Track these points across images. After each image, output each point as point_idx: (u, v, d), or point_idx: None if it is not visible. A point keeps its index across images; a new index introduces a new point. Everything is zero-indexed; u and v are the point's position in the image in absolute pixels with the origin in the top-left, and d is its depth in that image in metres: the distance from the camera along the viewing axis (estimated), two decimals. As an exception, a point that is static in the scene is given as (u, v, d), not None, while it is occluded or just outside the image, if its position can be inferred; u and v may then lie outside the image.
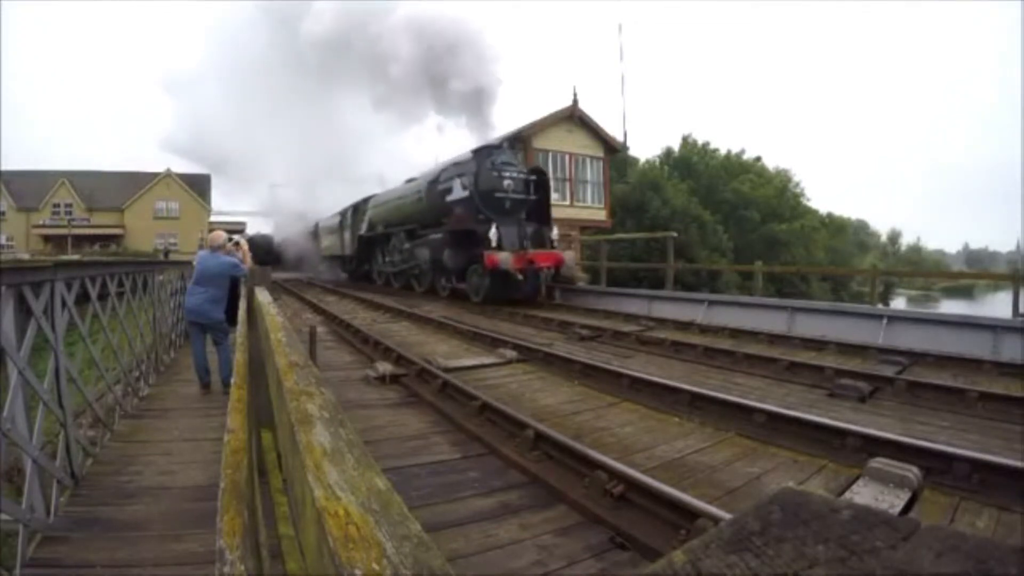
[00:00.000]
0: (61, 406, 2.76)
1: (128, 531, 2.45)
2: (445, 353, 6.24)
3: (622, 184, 19.42)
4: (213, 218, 35.56)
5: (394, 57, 13.55)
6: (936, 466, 2.91)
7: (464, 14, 14.72)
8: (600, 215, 18.47)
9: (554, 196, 13.84)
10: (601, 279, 14.34)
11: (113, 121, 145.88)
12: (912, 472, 2.49)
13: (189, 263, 6.78)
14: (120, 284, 4.28)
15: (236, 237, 5.55)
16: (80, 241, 31.72)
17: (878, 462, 2.60)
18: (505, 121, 20.52)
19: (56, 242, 31.96)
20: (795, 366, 5.49)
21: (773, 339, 7.28)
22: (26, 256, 20.69)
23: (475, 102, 12.59)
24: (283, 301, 11.71)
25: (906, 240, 73.67)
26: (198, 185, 36.38)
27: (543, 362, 5.88)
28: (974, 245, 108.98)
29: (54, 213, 34.10)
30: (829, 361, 5.81)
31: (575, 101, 17.40)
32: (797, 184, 29.30)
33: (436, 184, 13.03)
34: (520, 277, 10.58)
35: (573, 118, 17.41)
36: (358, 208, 18.66)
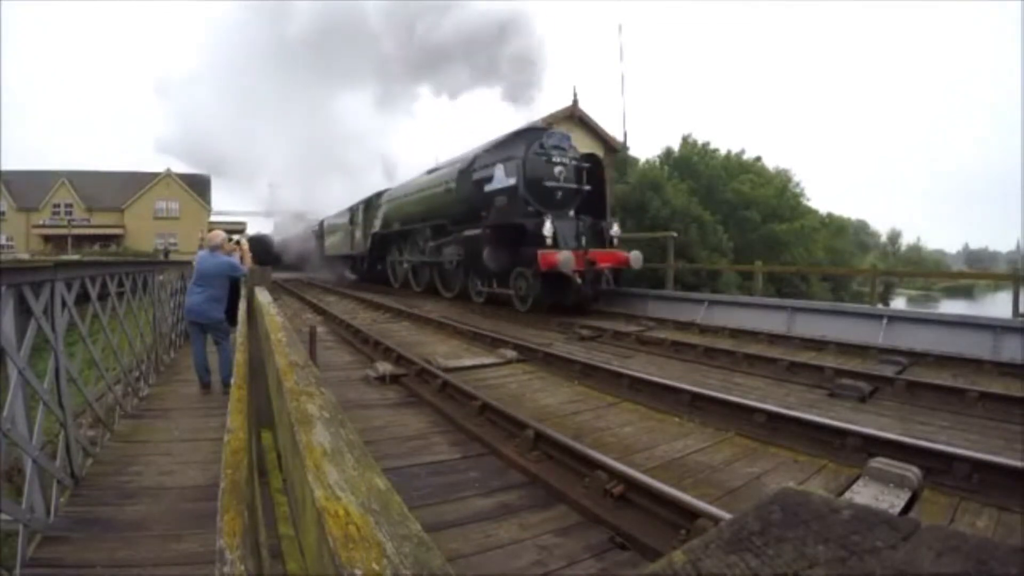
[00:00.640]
0: (61, 406, 2.75)
1: (128, 531, 2.44)
2: (445, 353, 6.24)
3: (622, 184, 19.38)
4: (213, 218, 35.52)
5: (406, 27, 12.53)
6: (936, 466, 2.91)
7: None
8: (600, 215, 18.42)
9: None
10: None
11: (113, 121, 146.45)
12: (912, 472, 2.48)
13: (189, 263, 6.78)
14: (120, 284, 4.28)
15: (236, 236, 5.56)
16: (80, 241, 31.68)
17: (878, 462, 2.59)
18: (505, 121, 20.54)
19: (56, 242, 31.92)
20: (795, 366, 5.50)
21: (773, 339, 7.29)
22: (26, 256, 20.73)
23: (519, 66, 11.17)
24: (283, 301, 11.69)
25: (906, 240, 73.58)
26: (198, 185, 36.36)
27: (543, 362, 5.88)
28: (974, 245, 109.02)
29: (54, 213, 34.06)
30: (829, 361, 5.82)
31: (575, 101, 17.44)
32: (797, 184, 29.26)
33: (471, 172, 11.06)
34: (579, 281, 9.02)
35: (573, 118, 17.45)
36: (370, 203, 17.10)
